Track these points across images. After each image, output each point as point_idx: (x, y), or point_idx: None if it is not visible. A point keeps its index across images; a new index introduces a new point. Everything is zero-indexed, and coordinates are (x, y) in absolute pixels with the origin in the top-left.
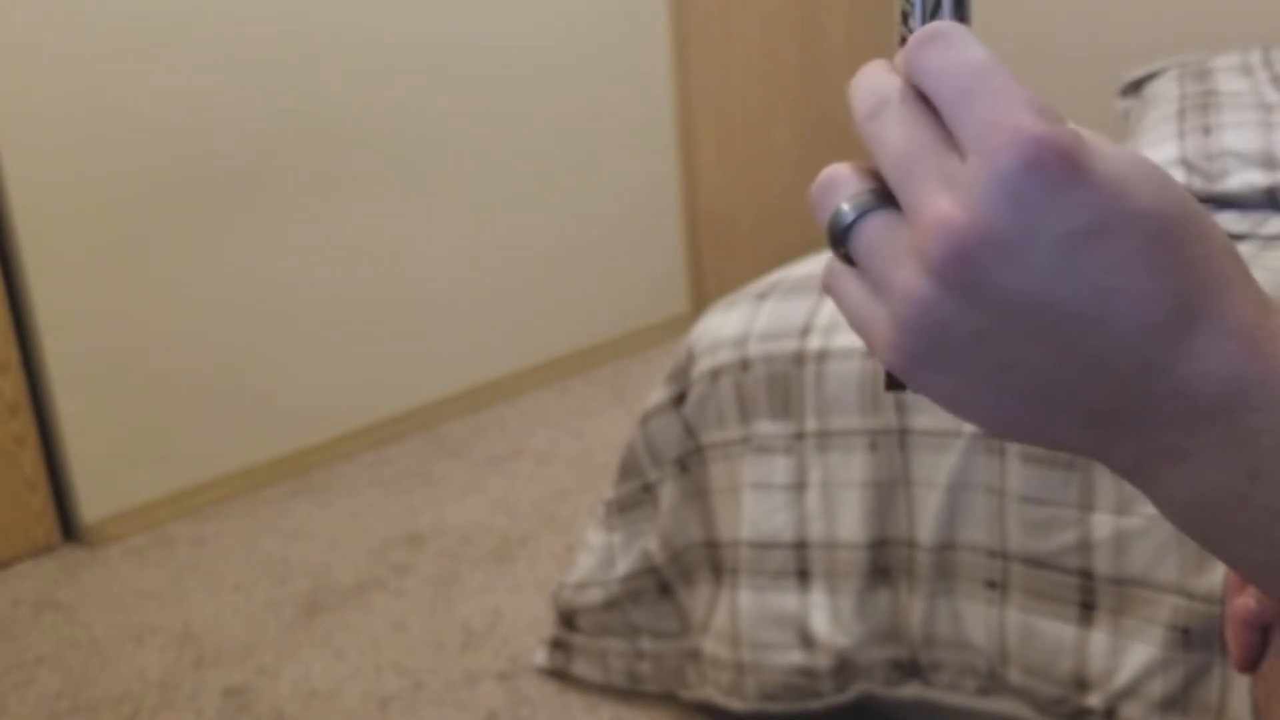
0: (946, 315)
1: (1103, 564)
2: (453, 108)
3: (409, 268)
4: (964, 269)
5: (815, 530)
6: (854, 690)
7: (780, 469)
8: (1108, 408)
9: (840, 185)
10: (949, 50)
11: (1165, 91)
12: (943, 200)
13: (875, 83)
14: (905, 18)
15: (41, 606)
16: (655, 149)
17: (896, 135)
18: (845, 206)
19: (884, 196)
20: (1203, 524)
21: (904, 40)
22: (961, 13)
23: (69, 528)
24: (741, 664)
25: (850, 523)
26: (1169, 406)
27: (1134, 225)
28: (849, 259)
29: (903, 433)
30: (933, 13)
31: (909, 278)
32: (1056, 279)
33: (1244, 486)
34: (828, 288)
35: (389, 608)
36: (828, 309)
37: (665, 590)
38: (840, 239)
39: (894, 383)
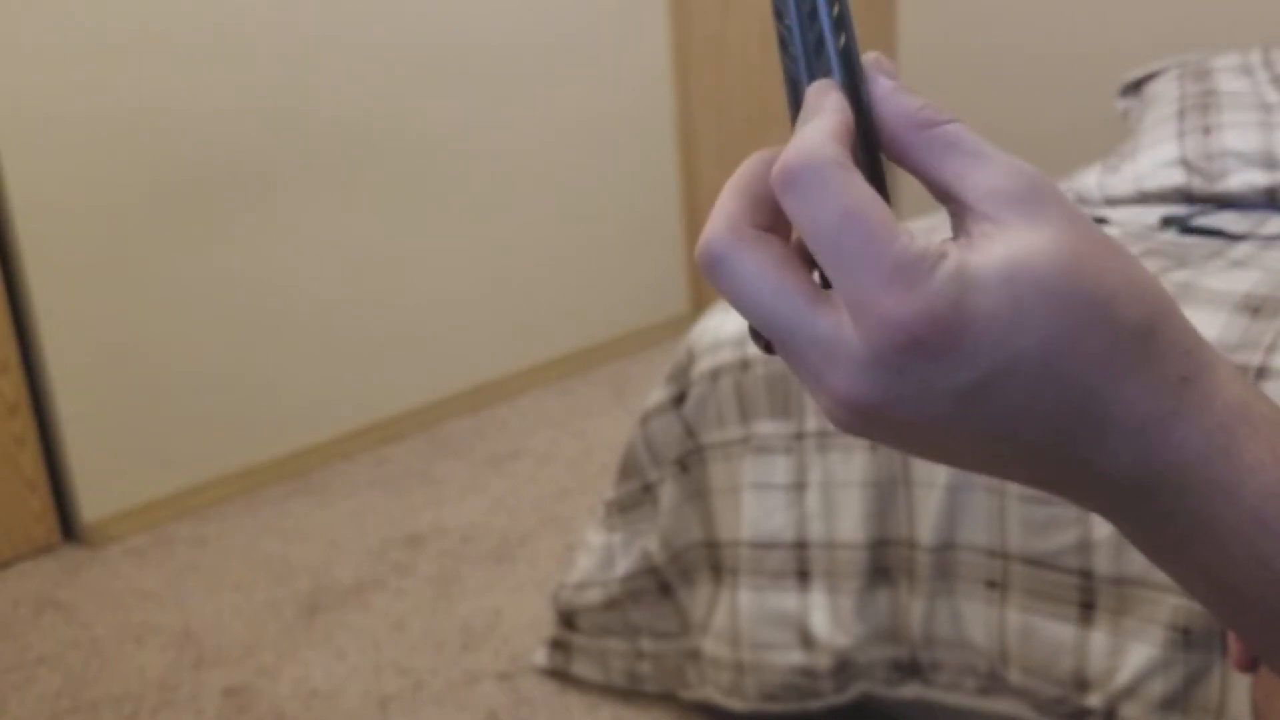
0: (867, 434)
1: (1103, 564)
2: (453, 108)
3: (409, 268)
4: (871, 424)
5: (815, 530)
6: (854, 690)
7: (780, 469)
8: (1042, 484)
9: None
10: (808, 200)
11: (1165, 91)
12: (836, 376)
13: (704, 238)
14: (779, 15)
15: (41, 606)
16: (655, 149)
17: (748, 303)
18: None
19: None
20: (1151, 559)
21: (782, 41)
22: (842, 27)
23: (69, 528)
24: (741, 664)
25: (850, 523)
26: (1091, 490)
27: (1021, 366)
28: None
29: None
30: (808, 18)
31: (821, 400)
32: (958, 423)
33: (1174, 551)
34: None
35: (389, 608)
36: None
37: (665, 590)
38: (757, 335)
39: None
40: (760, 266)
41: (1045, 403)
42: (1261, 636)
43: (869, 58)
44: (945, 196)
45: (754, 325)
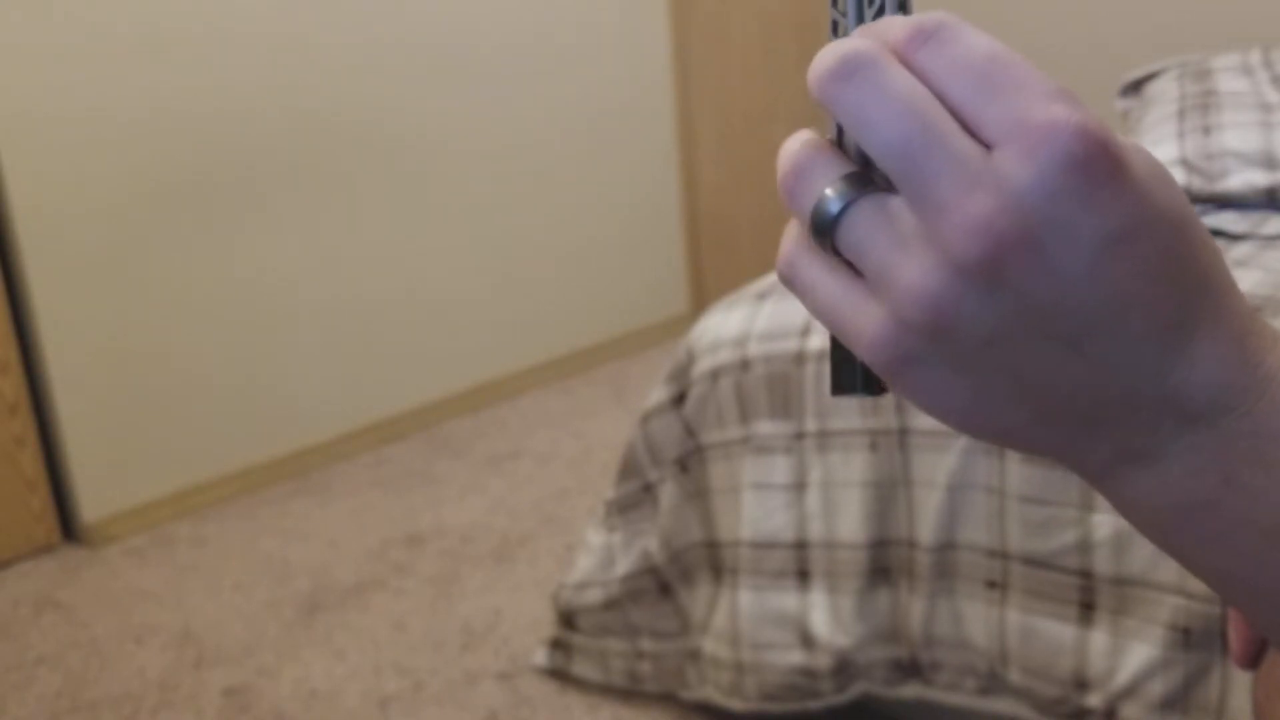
0: (962, 315)
1: (1103, 564)
2: (453, 107)
3: (409, 268)
4: (998, 271)
5: (815, 530)
6: (854, 690)
7: (780, 469)
8: (1094, 411)
9: (817, 169)
10: (954, 47)
11: (1165, 91)
12: (977, 199)
13: (848, 46)
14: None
15: (41, 606)
16: (655, 149)
17: (888, 114)
18: (830, 193)
19: (867, 179)
20: (1169, 529)
21: (835, 26)
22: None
23: (69, 528)
24: (741, 664)
25: (850, 523)
26: (1156, 410)
27: (1159, 228)
28: (835, 250)
29: (903, 433)
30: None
31: (919, 273)
32: (1084, 283)
33: (1216, 492)
34: (790, 280)
35: (389, 608)
36: None
37: (665, 590)
38: (827, 230)
39: (844, 386)
40: (913, 80)
41: (1163, 285)
42: None
43: None
44: None
45: (882, 148)
